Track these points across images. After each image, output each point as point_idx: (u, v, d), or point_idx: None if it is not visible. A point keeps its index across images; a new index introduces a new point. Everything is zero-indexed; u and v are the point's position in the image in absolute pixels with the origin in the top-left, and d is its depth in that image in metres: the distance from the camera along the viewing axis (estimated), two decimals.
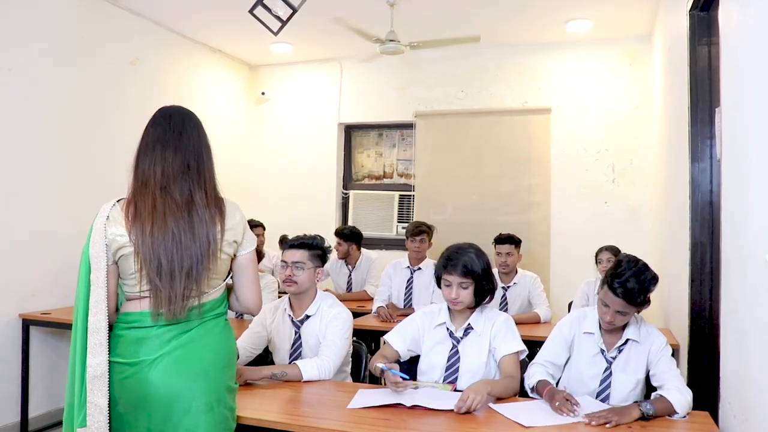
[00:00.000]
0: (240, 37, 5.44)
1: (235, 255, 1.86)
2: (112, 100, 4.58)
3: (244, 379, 2.30)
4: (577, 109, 5.31)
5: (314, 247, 2.64)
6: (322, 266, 2.68)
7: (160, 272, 1.69)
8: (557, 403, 2.03)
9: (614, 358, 2.26)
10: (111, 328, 1.73)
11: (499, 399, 2.19)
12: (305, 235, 2.71)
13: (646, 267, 2.17)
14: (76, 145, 4.27)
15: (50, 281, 4.07)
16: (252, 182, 6.23)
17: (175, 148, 1.78)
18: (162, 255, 1.69)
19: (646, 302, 2.17)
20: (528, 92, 5.45)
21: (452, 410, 2.02)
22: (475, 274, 2.30)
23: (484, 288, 2.35)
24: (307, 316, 2.63)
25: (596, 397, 2.24)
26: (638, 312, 2.23)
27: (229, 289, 1.93)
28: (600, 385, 2.26)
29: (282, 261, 2.67)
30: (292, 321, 2.65)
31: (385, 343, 2.50)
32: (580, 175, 5.28)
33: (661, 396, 2.07)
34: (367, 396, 2.20)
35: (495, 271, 3.97)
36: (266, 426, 1.96)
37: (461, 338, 2.38)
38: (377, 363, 2.28)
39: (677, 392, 2.05)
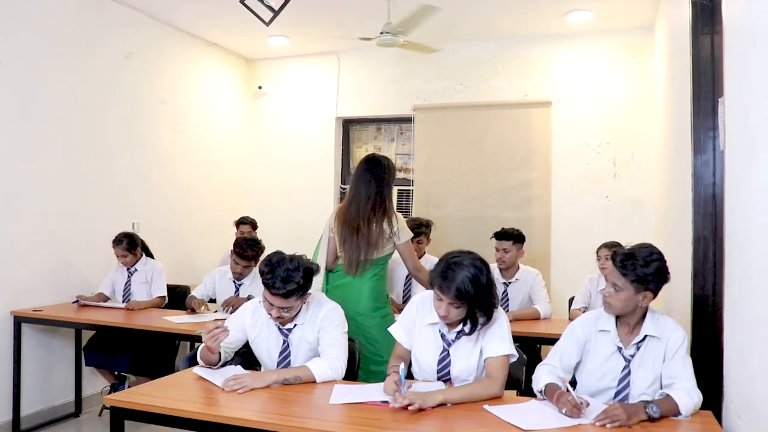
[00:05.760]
0: (236, 31, 5.37)
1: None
2: (107, 94, 4.52)
3: (250, 387, 2.20)
4: (578, 101, 5.24)
5: (300, 290, 2.36)
6: (309, 290, 2.45)
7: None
8: (564, 410, 1.95)
9: (632, 356, 2.16)
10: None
11: (491, 400, 2.13)
12: (287, 266, 2.33)
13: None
14: (70, 141, 4.22)
15: (43, 278, 4.04)
16: (249, 177, 6.18)
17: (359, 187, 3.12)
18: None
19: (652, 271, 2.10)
20: (528, 85, 5.38)
21: (440, 407, 2.03)
22: (468, 298, 2.14)
23: (475, 313, 2.19)
24: (296, 325, 2.50)
25: (615, 397, 2.15)
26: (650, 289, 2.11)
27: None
28: (618, 384, 2.16)
29: (264, 298, 2.40)
30: (280, 330, 2.51)
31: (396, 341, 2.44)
32: (581, 168, 5.21)
33: (667, 396, 2.00)
34: (347, 392, 2.19)
35: (494, 266, 3.97)
36: (252, 426, 1.90)
37: (453, 341, 2.30)
38: (395, 368, 2.18)
39: (686, 394, 1.99)
